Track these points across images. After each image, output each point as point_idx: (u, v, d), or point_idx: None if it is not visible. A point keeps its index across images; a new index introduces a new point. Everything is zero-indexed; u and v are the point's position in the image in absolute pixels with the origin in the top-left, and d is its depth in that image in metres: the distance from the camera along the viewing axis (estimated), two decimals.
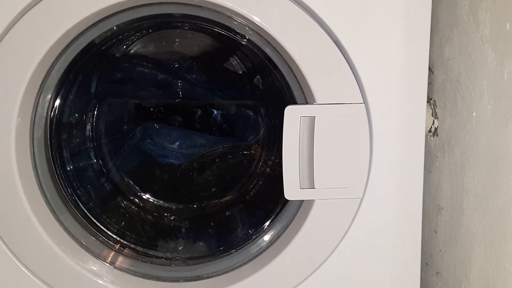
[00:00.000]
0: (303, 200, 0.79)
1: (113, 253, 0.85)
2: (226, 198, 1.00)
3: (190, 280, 0.83)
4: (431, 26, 0.70)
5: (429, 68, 0.74)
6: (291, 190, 0.74)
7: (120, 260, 0.85)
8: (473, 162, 0.71)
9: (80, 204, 0.87)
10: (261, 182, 0.98)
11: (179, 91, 0.97)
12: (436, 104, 0.83)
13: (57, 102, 0.83)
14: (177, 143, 1.00)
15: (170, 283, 0.82)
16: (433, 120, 0.83)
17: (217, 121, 0.98)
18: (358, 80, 0.71)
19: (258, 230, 0.87)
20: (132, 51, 0.94)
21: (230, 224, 0.99)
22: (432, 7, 0.70)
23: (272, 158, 0.96)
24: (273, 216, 0.86)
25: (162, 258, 0.90)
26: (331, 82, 0.71)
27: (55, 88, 0.80)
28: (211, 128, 0.99)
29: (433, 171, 0.84)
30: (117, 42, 0.90)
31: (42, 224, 0.75)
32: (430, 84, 0.84)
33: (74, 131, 0.93)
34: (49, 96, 0.80)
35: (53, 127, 0.83)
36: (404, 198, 0.75)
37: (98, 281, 0.77)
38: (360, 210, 0.75)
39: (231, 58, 0.96)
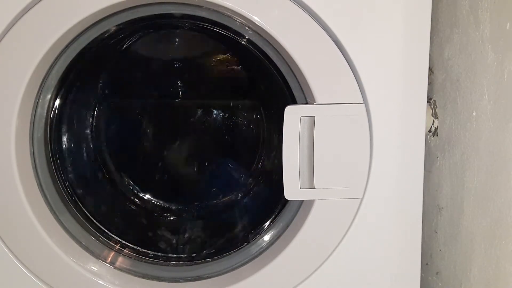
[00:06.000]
0: (303, 200, 0.79)
1: (113, 253, 0.85)
2: (226, 198, 1.00)
3: (190, 280, 0.83)
4: (431, 26, 0.71)
5: (429, 68, 0.74)
6: (291, 190, 0.74)
7: (120, 260, 0.85)
8: (473, 162, 0.71)
9: (80, 204, 0.87)
10: (261, 182, 0.98)
11: (179, 91, 0.97)
12: (436, 104, 0.83)
13: (57, 102, 0.83)
14: (177, 143, 1.00)
15: (170, 283, 0.82)
16: (433, 120, 0.83)
17: (217, 121, 0.98)
18: (358, 80, 0.71)
19: (258, 230, 0.87)
20: (132, 51, 0.94)
21: (230, 224, 0.99)
22: (432, 7, 0.70)
23: (272, 158, 0.96)
24: (273, 216, 0.86)
25: (162, 258, 0.90)
26: (331, 82, 0.71)
27: (55, 88, 0.80)
28: (211, 128, 0.99)
29: (433, 171, 0.84)
30: (117, 42, 0.89)
31: (42, 224, 0.75)
32: (430, 84, 0.84)
33: (74, 131, 0.93)
34: (49, 96, 0.80)
35: (53, 127, 0.83)
36: (404, 198, 0.75)
37: (98, 281, 0.77)
38: (360, 210, 0.75)
39: (231, 58, 0.96)
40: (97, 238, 0.86)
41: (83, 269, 0.77)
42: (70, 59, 0.77)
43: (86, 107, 0.95)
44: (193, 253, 0.91)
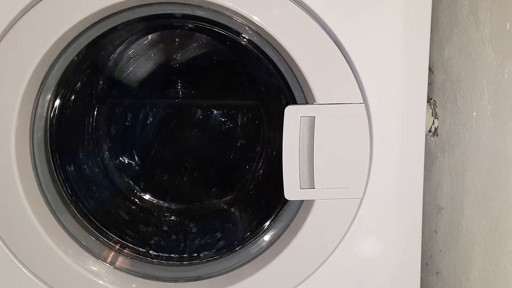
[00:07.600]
0: (303, 200, 0.79)
1: (113, 253, 0.85)
2: (226, 198, 1.00)
3: (190, 280, 0.83)
4: (431, 26, 0.71)
5: (429, 68, 0.74)
6: (291, 190, 0.74)
7: (120, 260, 0.85)
8: (473, 162, 0.71)
9: (80, 204, 0.87)
10: (261, 182, 0.98)
11: (179, 91, 0.97)
12: (436, 104, 0.83)
13: (57, 102, 0.83)
14: (177, 143, 1.00)
15: (170, 283, 0.82)
16: (433, 120, 0.83)
17: (217, 121, 0.98)
18: (358, 80, 0.71)
19: (258, 230, 0.87)
20: (132, 51, 0.94)
21: (230, 224, 0.99)
22: (432, 7, 0.70)
23: (272, 158, 0.96)
24: (273, 216, 0.86)
25: (162, 258, 0.90)
26: (331, 82, 0.71)
27: (55, 88, 0.80)
28: (211, 128, 0.99)
29: (433, 171, 0.84)
30: (117, 42, 0.90)
31: (42, 224, 0.75)
32: (430, 84, 0.84)
33: (74, 131, 0.93)
34: (49, 96, 0.80)
35: (53, 127, 0.83)
36: (404, 198, 0.75)
37: (98, 281, 0.77)
38: (360, 210, 0.75)
39: (231, 58, 0.96)
40: (97, 238, 0.86)
41: (83, 269, 0.77)
42: (70, 59, 0.77)
43: (86, 107, 0.95)
44: (193, 253, 0.91)
